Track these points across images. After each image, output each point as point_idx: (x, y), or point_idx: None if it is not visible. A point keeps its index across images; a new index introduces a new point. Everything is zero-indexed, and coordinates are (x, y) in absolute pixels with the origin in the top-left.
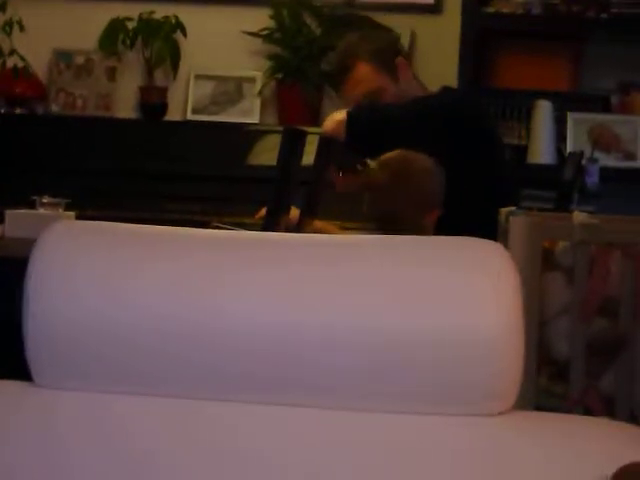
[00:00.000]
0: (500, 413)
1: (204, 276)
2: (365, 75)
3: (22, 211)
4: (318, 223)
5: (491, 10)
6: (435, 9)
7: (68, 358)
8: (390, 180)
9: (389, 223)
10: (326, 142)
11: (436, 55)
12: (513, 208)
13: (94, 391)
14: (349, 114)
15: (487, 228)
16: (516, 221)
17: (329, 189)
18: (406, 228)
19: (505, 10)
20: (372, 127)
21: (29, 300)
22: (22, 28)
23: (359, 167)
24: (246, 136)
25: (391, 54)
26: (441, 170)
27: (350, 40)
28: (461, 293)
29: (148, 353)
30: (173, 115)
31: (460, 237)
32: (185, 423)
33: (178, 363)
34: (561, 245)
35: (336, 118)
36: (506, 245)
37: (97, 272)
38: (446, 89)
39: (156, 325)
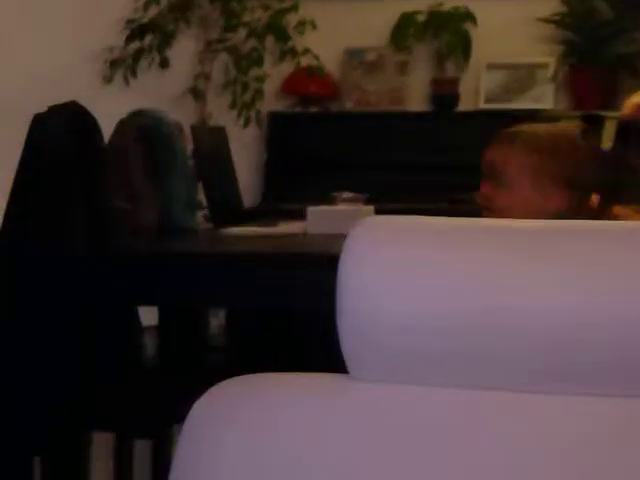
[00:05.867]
0: None
1: (514, 267)
2: None
3: (323, 207)
4: (617, 209)
5: None
6: None
7: (384, 352)
8: None
9: None
10: (625, 126)
11: None
12: None
13: (412, 384)
14: None
15: None
16: None
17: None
18: None
19: None
20: None
21: (342, 296)
22: (315, 27)
23: None
24: (540, 122)
25: None
26: None
27: None
28: None
29: (461, 345)
30: (465, 105)
31: None
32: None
33: (487, 355)
34: None
35: (634, 101)
36: None
37: (408, 267)
38: None
39: (467, 319)
